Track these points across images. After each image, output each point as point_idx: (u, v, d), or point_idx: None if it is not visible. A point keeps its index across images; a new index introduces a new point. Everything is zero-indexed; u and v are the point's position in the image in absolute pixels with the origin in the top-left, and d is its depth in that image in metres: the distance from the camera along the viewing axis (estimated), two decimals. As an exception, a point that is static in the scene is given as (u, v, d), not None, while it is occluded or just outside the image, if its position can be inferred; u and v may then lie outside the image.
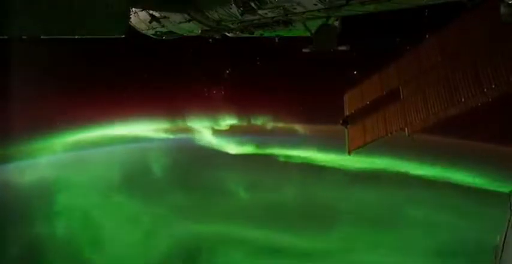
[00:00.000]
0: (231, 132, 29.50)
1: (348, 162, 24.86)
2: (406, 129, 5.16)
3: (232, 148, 28.92)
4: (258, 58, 24.77)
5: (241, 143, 28.88)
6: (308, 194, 24.94)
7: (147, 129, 28.98)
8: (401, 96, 5.41)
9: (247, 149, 28.52)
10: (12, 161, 25.09)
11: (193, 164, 27.50)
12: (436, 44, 5.12)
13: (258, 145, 28.49)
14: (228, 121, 29.61)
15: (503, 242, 4.81)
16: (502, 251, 4.76)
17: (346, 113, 6.36)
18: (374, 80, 6.03)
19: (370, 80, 6.10)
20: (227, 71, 26.88)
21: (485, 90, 4.27)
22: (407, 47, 5.94)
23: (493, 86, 4.18)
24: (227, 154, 28.40)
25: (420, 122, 4.98)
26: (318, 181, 25.35)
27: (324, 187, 24.88)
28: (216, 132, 29.61)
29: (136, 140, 28.77)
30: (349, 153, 6.17)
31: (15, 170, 25.04)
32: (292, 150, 27.44)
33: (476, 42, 4.55)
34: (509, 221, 4.92)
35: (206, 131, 29.70)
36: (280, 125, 29.72)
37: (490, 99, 4.30)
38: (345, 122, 6.30)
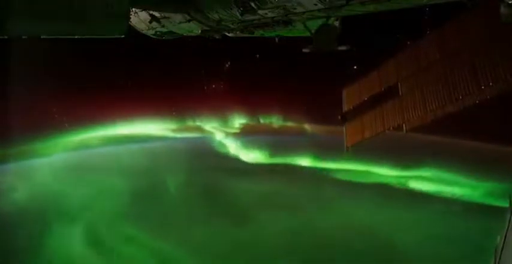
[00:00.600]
0: (243, 133, 28.08)
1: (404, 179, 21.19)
2: (403, 125, 5.18)
3: (247, 152, 26.91)
4: (262, 57, 24.64)
5: (259, 147, 26.50)
6: (363, 224, 19.21)
7: (155, 129, 28.67)
8: (400, 93, 5.43)
9: (271, 158, 25.56)
10: (19, 160, 24.65)
11: (207, 171, 24.74)
12: (435, 41, 5.14)
13: (284, 152, 25.26)
14: (238, 120, 28.90)
15: (503, 242, 4.81)
16: (502, 251, 4.76)
17: (345, 108, 6.37)
18: (372, 76, 6.04)
19: (369, 76, 6.11)
20: (227, 65, 26.83)
21: (482, 87, 4.30)
22: (408, 43, 5.94)
23: (491, 84, 4.20)
24: (243, 161, 26.17)
25: (418, 119, 5.02)
26: (372, 205, 20.14)
27: (383, 214, 19.55)
28: (227, 132, 28.52)
29: (142, 140, 27.92)
30: (347, 149, 6.20)
31: (17, 172, 24.21)
32: (326, 162, 23.60)
33: (475, 41, 4.56)
34: (509, 221, 4.92)
35: (216, 131, 28.91)
36: (294, 125, 28.04)
37: (488, 97, 4.33)
38: (344, 118, 6.31)
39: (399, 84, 5.47)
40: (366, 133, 5.88)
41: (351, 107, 6.27)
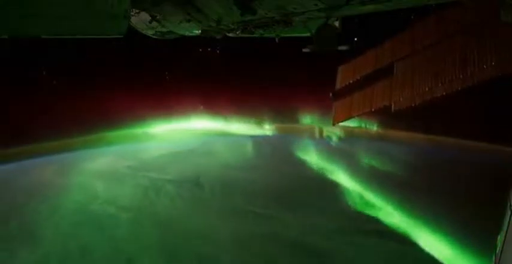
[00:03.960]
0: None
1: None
2: (391, 106, 5.23)
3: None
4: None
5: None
6: None
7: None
8: (392, 74, 5.46)
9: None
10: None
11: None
12: (432, 25, 5.15)
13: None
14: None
15: (503, 242, 4.82)
16: (502, 251, 4.76)
17: (337, 86, 6.40)
18: (368, 55, 6.04)
19: (364, 55, 6.11)
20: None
21: (469, 74, 4.37)
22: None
23: (477, 71, 4.28)
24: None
25: (405, 101, 5.06)
26: None
27: None
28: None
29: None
30: (333, 125, 6.29)
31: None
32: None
33: (470, 27, 4.60)
34: (509, 221, 4.92)
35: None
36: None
37: (476, 82, 4.41)
38: (335, 95, 6.35)
39: (392, 65, 5.50)
40: (353, 111, 5.94)
41: (343, 85, 6.30)
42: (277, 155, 27.49)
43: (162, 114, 29.73)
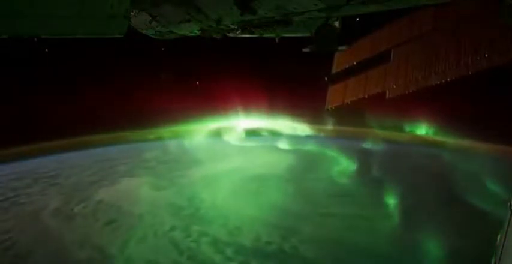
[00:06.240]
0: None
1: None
2: (386, 92, 5.25)
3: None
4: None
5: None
6: None
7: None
8: (387, 61, 5.48)
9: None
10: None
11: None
12: (431, 14, 5.16)
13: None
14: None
15: (503, 242, 4.81)
16: (502, 251, 4.76)
17: (333, 71, 6.41)
18: (365, 41, 6.05)
19: (362, 41, 6.12)
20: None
21: (462, 64, 4.41)
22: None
23: (470, 61, 4.33)
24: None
25: (399, 87, 5.09)
26: None
27: None
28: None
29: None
30: (327, 110, 6.29)
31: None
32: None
33: (466, 19, 4.62)
34: (509, 221, 4.92)
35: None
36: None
37: (470, 73, 4.45)
38: (330, 80, 6.37)
39: (388, 52, 5.52)
40: (347, 97, 5.97)
41: (339, 70, 6.31)
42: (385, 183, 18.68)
43: (201, 112, 28.13)
